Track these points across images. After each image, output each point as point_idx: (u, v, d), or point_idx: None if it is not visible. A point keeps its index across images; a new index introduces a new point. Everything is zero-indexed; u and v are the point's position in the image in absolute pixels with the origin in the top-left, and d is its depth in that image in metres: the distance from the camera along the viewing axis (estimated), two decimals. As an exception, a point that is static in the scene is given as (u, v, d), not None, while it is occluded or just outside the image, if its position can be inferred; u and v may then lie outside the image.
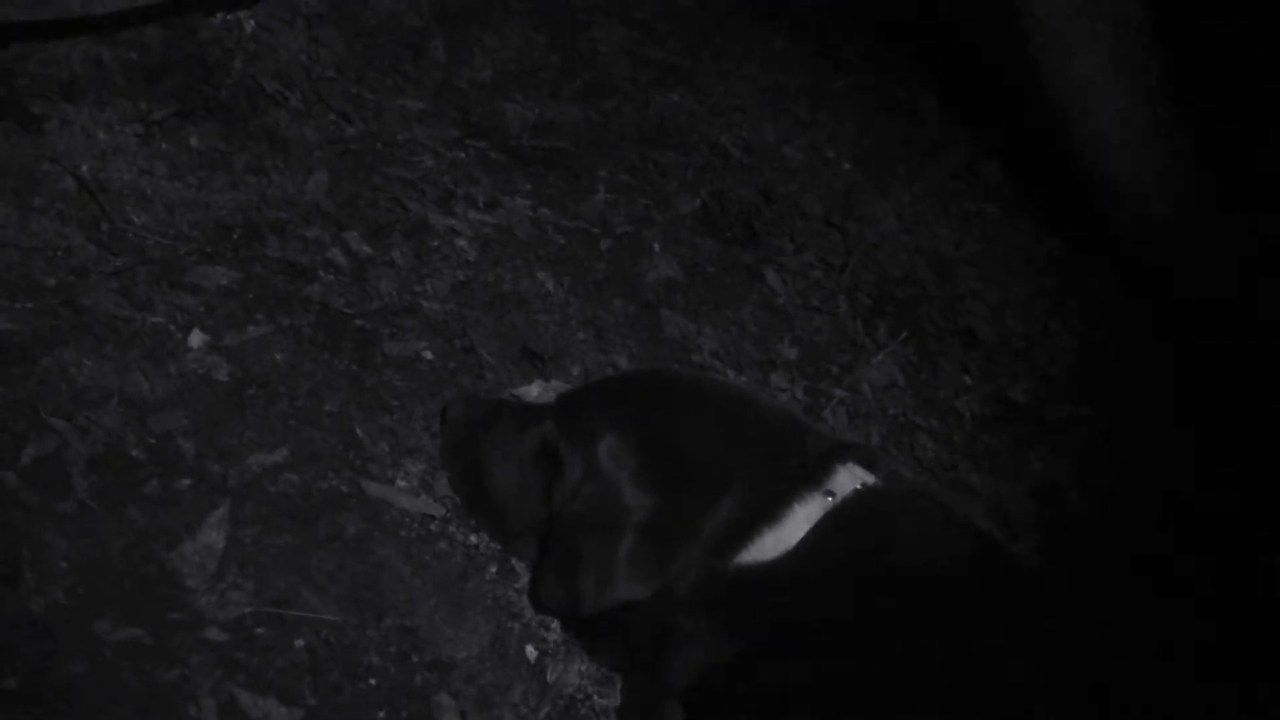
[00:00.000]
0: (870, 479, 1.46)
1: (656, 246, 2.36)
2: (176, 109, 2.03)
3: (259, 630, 1.43)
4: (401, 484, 1.68)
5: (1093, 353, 2.67)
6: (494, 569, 1.65)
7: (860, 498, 1.43)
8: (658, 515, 1.44)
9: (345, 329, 1.85)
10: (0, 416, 1.49)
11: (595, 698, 1.57)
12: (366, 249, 2.00)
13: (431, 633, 1.53)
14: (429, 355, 1.89)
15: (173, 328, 1.71)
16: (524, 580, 1.64)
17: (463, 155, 2.32)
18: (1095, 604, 1.88)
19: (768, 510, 1.41)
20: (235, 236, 1.90)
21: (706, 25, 3.12)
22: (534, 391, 1.91)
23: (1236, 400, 2.53)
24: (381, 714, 1.42)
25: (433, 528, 1.65)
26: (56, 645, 1.31)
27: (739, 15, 3.23)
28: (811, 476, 1.44)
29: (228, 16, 2.23)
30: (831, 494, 1.42)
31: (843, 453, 1.49)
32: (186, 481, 1.53)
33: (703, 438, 1.50)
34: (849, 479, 1.44)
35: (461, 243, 2.12)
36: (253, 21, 2.25)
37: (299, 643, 1.44)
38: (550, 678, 1.56)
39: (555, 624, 1.61)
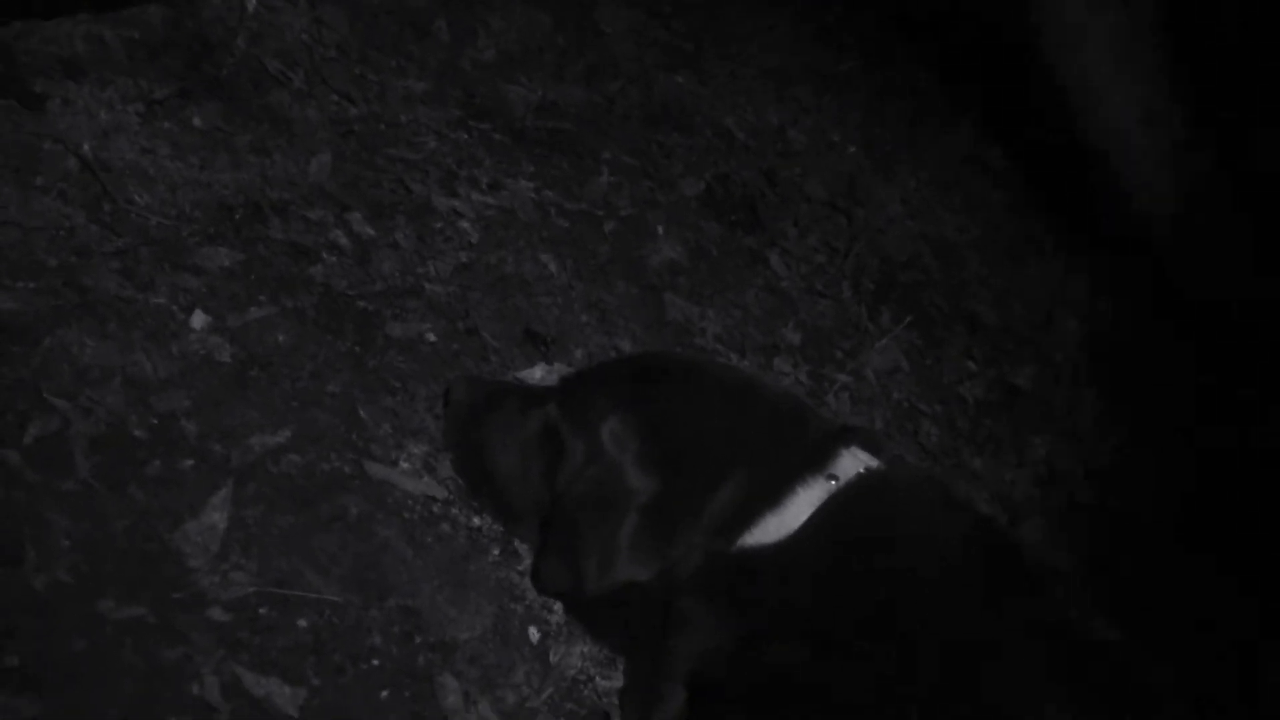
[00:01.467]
0: (873, 463, 1.45)
1: (660, 229, 2.35)
2: (179, 88, 2.02)
3: (262, 610, 1.43)
4: (404, 465, 1.68)
5: (1095, 339, 2.67)
6: (497, 551, 1.65)
7: (863, 481, 1.42)
8: (660, 498, 1.44)
9: (348, 310, 1.84)
10: (3, 396, 1.48)
11: (598, 679, 1.57)
12: (369, 230, 1.99)
13: (434, 614, 1.53)
14: (432, 337, 1.88)
15: (175, 308, 1.70)
16: (526, 562, 1.64)
17: (466, 136, 2.31)
18: (1098, 588, 1.88)
19: (770, 493, 1.41)
20: (238, 217, 1.89)
21: (712, 7, 3.11)
22: (537, 374, 1.91)
23: (1238, 386, 2.52)
24: (384, 694, 1.42)
25: (435, 509, 1.65)
26: (59, 624, 1.32)
27: (744, -3, 3.22)
28: (814, 460, 1.43)
29: (230, -5, 2.21)
30: (834, 478, 1.42)
31: (846, 436, 1.48)
32: (189, 462, 1.53)
33: (705, 421, 1.50)
34: (852, 463, 1.44)
35: (464, 224, 2.11)
36: (255, 0, 2.23)
37: (302, 623, 1.44)
38: (553, 659, 1.56)
39: (558, 606, 1.61)
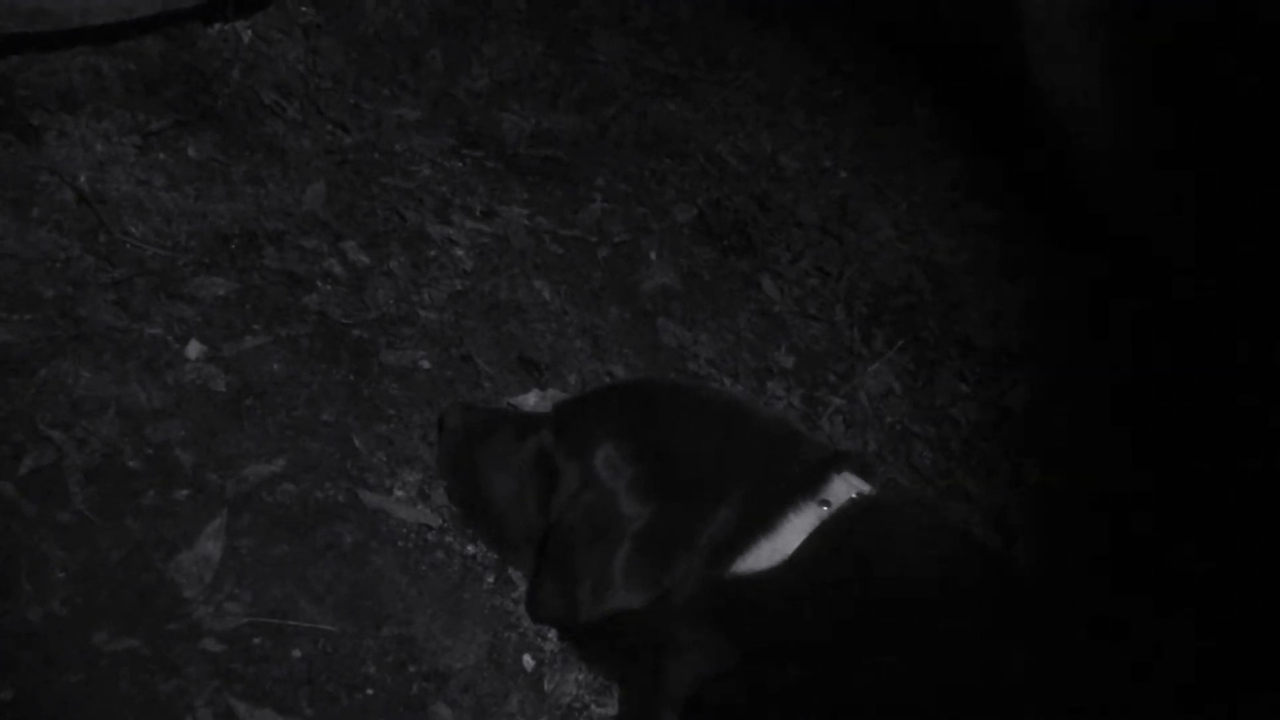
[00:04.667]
0: (865, 487, 1.46)
1: (653, 255, 2.37)
2: (174, 119, 2.04)
3: (256, 640, 1.43)
4: (399, 494, 1.68)
5: (1089, 361, 2.68)
6: (491, 578, 1.65)
7: (855, 506, 1.43)
8: (654, 524, 1.44)
9: (343, 339, 1.85)
10: (-2, 427, 1.49)
11: (593, 707, 1.57)
12: (364, 259, 2.00)
13: (429, 642, 1.53)
14: (426, 364, 1.89)
15: (170, 338, 1.71)
16: (521, 589, 1.64)
17: (460, 164, 2.33)
18: (1092, 611, 1.88)
19: (763, 519, 1.41)
20: (233, 247, 1.90)
21: (703, 34, 3.13)
22: (531, 400, 1.92)
23: (1235, 404, 2.53)
24: (378, 724, 1.42)
25: (430, 537, 1.65)
26: (54, 656, 1.32)
27: (736, 24, 3.24)
28: (807, 485, 1.44)
29: (225, 27, 2.23)
30: (827, 503, 1.42)
31: (838, 461, 1.49)
32: (184, 492, 1.53)
33: (699, 447, 1.51)
34: (844, 488, 1.44)
35: (459, 252, 2.12)
36: (250, 32, 2.26)
37: (296, 653, 1.44)
38: (548, 687, 1.56)
39: (553, 633, 1.61)
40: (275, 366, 1.76)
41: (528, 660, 1.58)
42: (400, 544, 1.62)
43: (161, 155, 1.98)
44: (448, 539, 1.66)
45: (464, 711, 1.48)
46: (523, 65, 2.66)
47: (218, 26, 2.22)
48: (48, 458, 1.49)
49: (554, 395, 1.93)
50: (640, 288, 2.28)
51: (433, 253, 2.09)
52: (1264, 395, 2.48)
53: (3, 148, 1.84)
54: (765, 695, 1.36)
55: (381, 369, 1.84)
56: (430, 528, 1.66)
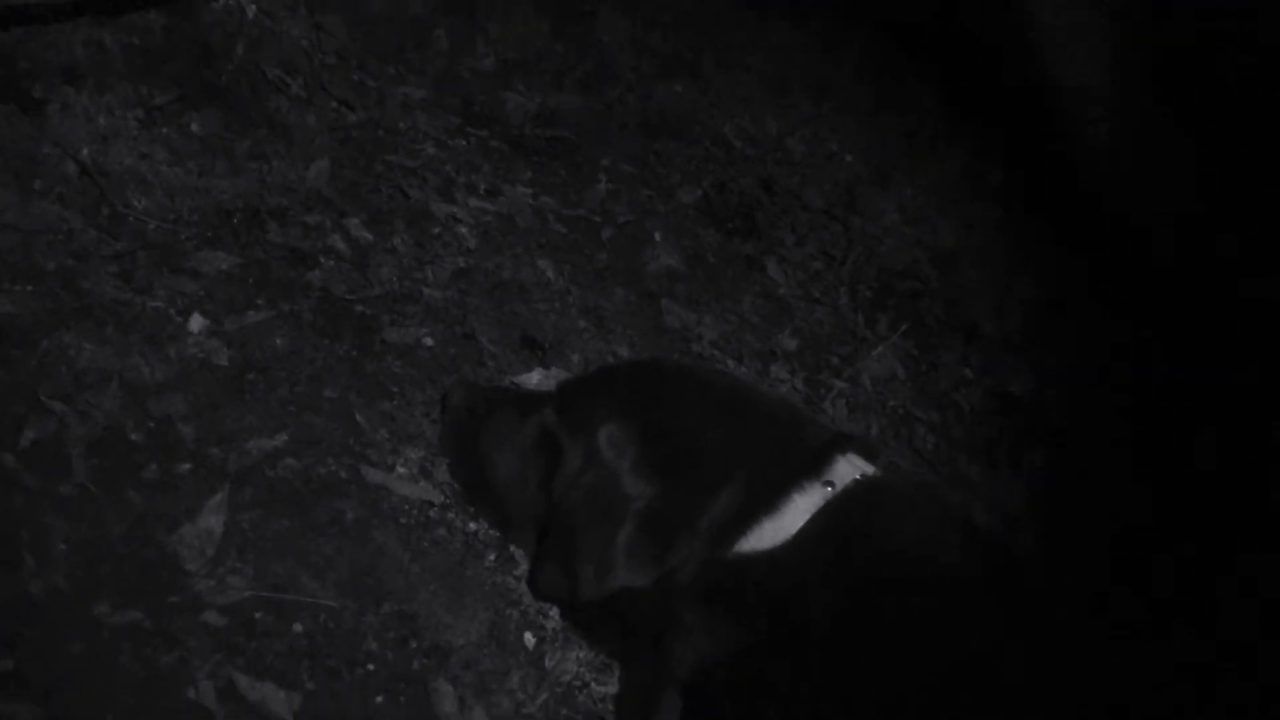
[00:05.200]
0: (869, 470, 1.46)
1: (658, 236, 2.36)
2: (178, 94, 2.02)
3: (257, 614, 1.43)
4: (401, 470, 1.68)
5: (1092, 347, 2.67)
6: (493, 556, 1.65)
7: (859, 488, 1.43)
8: (657, 504, 1.44)
9: (346, 315, 1.85)
10: (0, 399, 1.48)
11: (593, 685, 1.57)
12: (367, 235, 1.99)
13: (430, 619, 1.53)
14: (429, 342, 1.88)
15: (173, 312, 1.70)
16: (523, 567, 1.64)
17: (464, 143, 2.32)
18: (1091, 597, 1.88)
19: (767, 499, 1.41)
20: (236, 222, 1.89)
21: (710, 16, 3.12)
22: (534, 379, 1.91)
23: (1235, 394, 2.53)
24: (379, 699, 1.42)
25: (432, 514, 1.65)
26: (56, 629, 1.32)
27: (743, 6, 3.22)
28: (811, 466, 1.44)
29: (230, 2, 2.22)
30: (831, 484, 1.42)
31: (842, 443, 1.48)
32: (186, 465, 1.53)
33: (703, 427, 1.50)
34: (848, 469, 1.44)
35: (462, 230, 2.11)
36: (255, 7, 2.24)
37: (297, 627, 1.44)
38: (549, 664, 1.56)
39: (554, 611, 1.61)
40: (278, 341, 1.75)
41: (529, 638, 1.58)
42: (402, 520, 1.62)
43: (164, 130, 1.97)
44: (449, 516, 1.66)
45: (465, 688, 1.48)
46: (528, 45, 2.65)
47: (222, 1, 2.21)
48: (50, 430, 1.48)
49: (557, 375, 1.93)
50: (644, 269, 2.27)
51: (436, 231, 2.09)
52: (1263, 394, 2.47)
53: (5, 120, 1.83)
54: (766, 679, 1.36)
55: (384, 346, 1.83)
56: (432, 505, 1.66)
